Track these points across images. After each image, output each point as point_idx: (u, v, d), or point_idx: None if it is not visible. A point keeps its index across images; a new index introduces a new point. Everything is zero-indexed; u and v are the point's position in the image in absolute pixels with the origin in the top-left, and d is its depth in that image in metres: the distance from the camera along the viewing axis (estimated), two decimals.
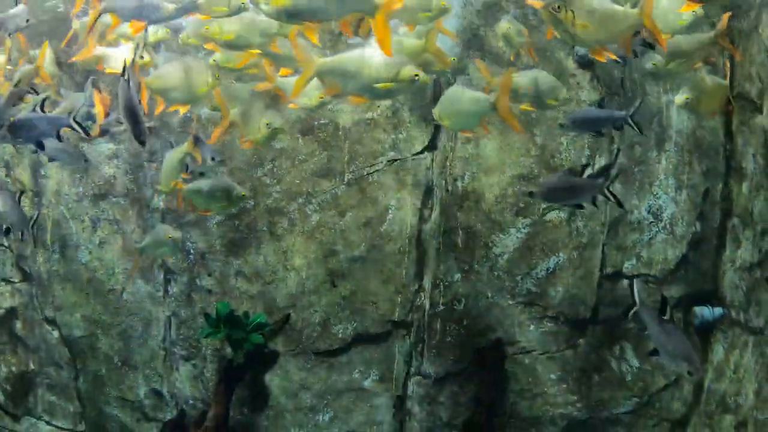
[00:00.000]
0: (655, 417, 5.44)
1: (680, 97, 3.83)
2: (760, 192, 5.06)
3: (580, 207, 4.27)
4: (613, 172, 4.32)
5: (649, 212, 5.40)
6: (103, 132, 5.01)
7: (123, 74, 3.92)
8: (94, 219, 5.88)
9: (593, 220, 5.34)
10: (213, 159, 4.54)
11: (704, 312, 5.34)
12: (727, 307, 5.26)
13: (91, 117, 4.58)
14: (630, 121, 4.28)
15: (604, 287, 5.36)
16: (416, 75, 3.18)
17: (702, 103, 4.11)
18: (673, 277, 5.40)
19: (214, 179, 4.65)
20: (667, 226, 5.40)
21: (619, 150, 5.37)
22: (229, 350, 5.47)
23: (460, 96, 3.78)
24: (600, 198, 4.25)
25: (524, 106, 4.08)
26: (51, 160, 5.25)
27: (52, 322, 6.05)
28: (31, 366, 6.16)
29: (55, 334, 6.05)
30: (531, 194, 4.20)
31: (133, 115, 3.93)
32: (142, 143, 4.01)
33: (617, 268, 5.38)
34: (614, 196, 4.18)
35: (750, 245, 5.07)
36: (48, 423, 6.17)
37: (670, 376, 5.37)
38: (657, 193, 5.40)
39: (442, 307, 5.43)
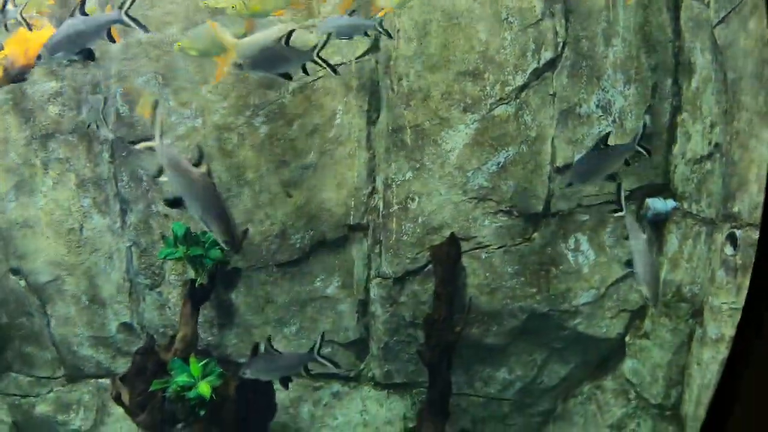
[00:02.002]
0: (614, 308, 5.54)
1: None
2: (708, 86, 5.11)
3: (288, 77, 4.27)
4: (324, 40, 4.29)
5: (597, 106, 5.41)
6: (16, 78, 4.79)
7: (200, 165, 3.51)
8: (44, 161, 5.82)
9: (541, 113, 5.37)
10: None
11: (657, 204, 5.40)
12: (679, 199, 5.33)
13: None
14: (379, 28, 4.42)
15: (556, 180, 5.40)
16: None
17: None
18: (625, 170, 5.44)
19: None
20: (617, 119, 5.42)
21: (565, 44, 5.37)
22: (192, 273, 5.49)
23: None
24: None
25: None
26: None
27: (17, 272, 6.01)
28: (4, 320, 6.14)
29: (22, 283, 6.02)
30: (239, 66, 4.16)
31: (224, 220, 3.46)
32: (238, 251, 3.63)
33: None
34: (325, 62, 4.15)
35: (700, 138, 5.14)
36: (28, 375, 6.18)
37: (626, 267, 5.47)
38: (605, 87, 5.41)
39: (396, 207, 5.44)
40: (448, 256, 5.25)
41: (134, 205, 5.71)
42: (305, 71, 4.17)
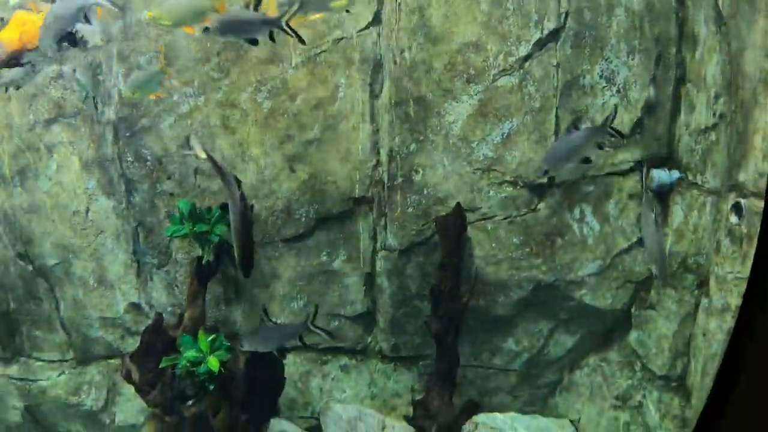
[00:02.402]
0: (620, 279, 5.55)
1: None
2: (713, 56, 5.05)
3: (255, 42, 4.27)
4: (294, 9, 4.27)
5: (601, 77, 5.38)
6: (8, 62, 4.75)
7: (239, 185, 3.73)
8: (48, 145, 5.81)
9: (545, 84, 5.34)
10: None
11: (661, 175, 5.39)
12: (683, 170, 5.31)
13: None
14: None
15: None
16: None
17: None
18: (628, 141, 5.43)
19: None
20: (621, 90, 5.39)
21: (567, 14, 5.32)
22: (198, 251, 5.50)
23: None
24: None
25: None
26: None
27: (24, 256, 6.04)
28: (12, 305, 6.18)
29: (29, 267, 6.04)
30: (206, 30, 4.19)
31: (245, 247, 3.78)
32: (247, 275, 3.93)
33: None
34: (292, 29, 4.14)
35: (704, 109, 5.10)
36: (38, 359, 6.22)
37: (631, 238, 5.46)
38: (609, 58, 5.37)
39: (400, 179, 5.44)
40: (453, 227, 5.24)
41: (139, 186, 5.71)
42: (272, 38, 4.16)
